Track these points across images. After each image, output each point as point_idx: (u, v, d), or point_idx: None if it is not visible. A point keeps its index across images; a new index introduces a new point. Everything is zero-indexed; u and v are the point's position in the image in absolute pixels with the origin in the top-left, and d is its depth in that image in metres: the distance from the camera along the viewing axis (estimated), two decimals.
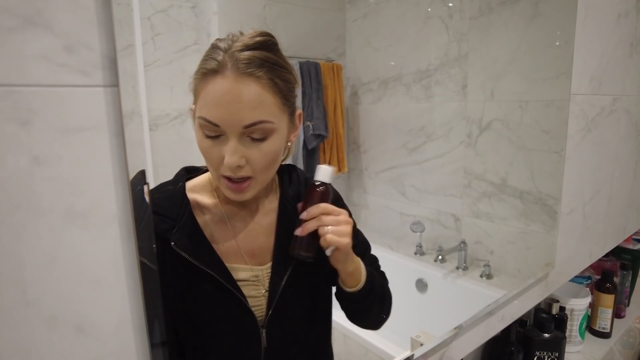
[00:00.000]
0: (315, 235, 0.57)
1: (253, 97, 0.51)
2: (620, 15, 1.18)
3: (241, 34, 0.54)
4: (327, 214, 0.58)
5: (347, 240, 0.57)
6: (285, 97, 0.55)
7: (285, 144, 0.59)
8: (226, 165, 0.52)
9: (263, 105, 0.52)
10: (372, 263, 0.73)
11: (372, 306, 0.67)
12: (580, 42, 1.02)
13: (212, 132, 0.52)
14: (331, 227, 0.57)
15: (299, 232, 0.57)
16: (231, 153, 0.52)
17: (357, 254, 0.65)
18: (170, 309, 0.57)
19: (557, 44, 1.09)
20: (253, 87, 0.51)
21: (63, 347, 0.38)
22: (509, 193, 1.29)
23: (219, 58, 0.51)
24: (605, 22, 1.13)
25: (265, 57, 0.52)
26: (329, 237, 0.56)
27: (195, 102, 0.55)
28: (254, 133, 0.53)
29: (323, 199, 0.59)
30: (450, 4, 1.42)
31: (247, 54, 0.51)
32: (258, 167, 0.55)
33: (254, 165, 0.54)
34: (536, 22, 1.17)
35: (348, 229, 0.58)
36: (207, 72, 0.52)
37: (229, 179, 0.55)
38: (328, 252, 0.58)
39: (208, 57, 0.53)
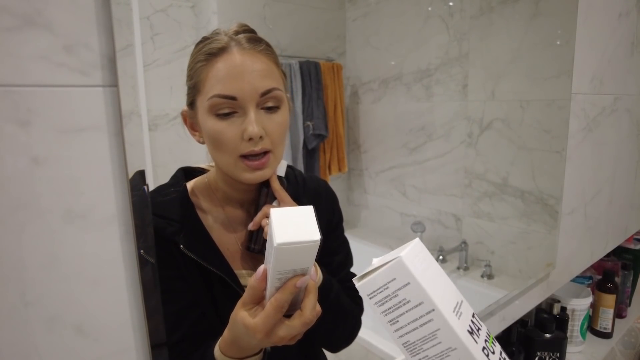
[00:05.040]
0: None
1: (263, 67, 0.54)
2: (621, 14, 1.18)
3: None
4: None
5: None
6: (283, 72, 0.58)
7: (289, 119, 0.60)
8: (250, 134, 0.52)
9: (273, 73, 0.55)
10: (345, 281, 0.67)
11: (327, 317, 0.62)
12: (581, 41, 1.02)
13: (228, 108, 0.53)
14: None
15: (250, 226, 0.59)
16: (253, 123, 0.53)
17: (336, 261, 0.64)
18: (186, 310, 0.57)
19: (558, 43, 1.09)
20: (261, 58, 0.54)
21: (63, 348, 0.38)
22: (510, 193, 1.29)
23: (223, 39, 0.54)
24: (606, 21, 1.13)
25: (258, 37, 0.56)
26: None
27: (198, 92, 0.55)
28: (268, 102, 0.54)
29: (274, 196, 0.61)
30: (451, 3, 1.42)
31: (244, 35, 0.55)
32: (275, 138, 0.56)
33: (272, 136, 0.55)
34: (537, 21, 1.16)
35: None
36: (213, 53, 0.53)
37: (248, 158, 0.54)
38: None
39: (208, 43, 0.54)
